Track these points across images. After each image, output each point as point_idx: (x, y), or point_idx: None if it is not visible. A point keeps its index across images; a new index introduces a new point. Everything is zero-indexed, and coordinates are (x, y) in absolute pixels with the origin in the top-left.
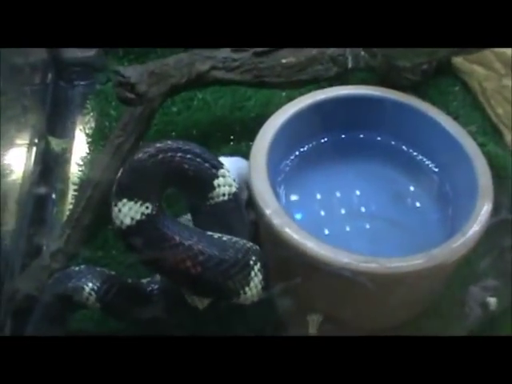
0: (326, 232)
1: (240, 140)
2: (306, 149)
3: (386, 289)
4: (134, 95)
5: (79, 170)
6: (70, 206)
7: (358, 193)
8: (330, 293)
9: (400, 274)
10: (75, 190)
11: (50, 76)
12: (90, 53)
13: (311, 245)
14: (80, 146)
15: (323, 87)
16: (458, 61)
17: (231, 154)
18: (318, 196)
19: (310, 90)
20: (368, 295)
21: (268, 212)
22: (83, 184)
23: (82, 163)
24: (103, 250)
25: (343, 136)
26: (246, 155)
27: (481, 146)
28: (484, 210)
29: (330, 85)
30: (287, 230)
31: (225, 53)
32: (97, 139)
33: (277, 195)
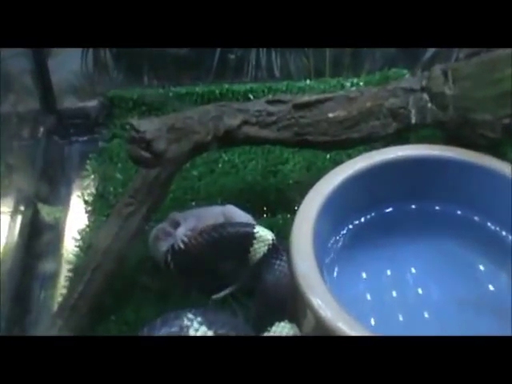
0: (387, 321)
1: (275, 212)
2: (359, 223)
3: None
4: (149, 154)
5: (76, 246)
6: (64, 291)
7: (421, 275)
8: None
9: None
10: (70, 271)
11: (41, 129)
12: (91, 103)
13: None
14: (77, 216)
15: (378, 148)
16: None
17: (265, 227)
18: (376, 280)
19: (360, 152)
20: None
21: (316, 302)
22: (81, 264)
23: (79, 238)
24: None
25: (403, 207)
26: (282, 230)
27: None
28: None
29: (388, 144)
30: (341, 325)
31: (259, 105)
32: (98, 208)
33: (324, 278)
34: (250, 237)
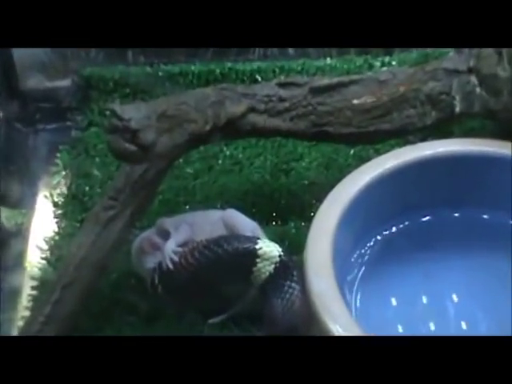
0: None
1: (286, 219)
2: (388, 234)
3: None
4: (135, 147)
5: (42, 258)
6: (26, 313)
7: (465, 301)
8: None
9: None
10: (34, 289)
11: (0, 115)
12: (63, 82)
13: None
14: (44, 222)
15: (413, 142)
16: None
17: (274, 238)
18: (408, 306)
19: (392, 147)
20: None
21: (336, 329)
22: (48, 280)
23: (46, 248)
24: None
25: (444, 215)
26: (295, 242)
27: None
28: None
29: (425, 138)
30: None
31: (268, 88)
32: (71, 212)
33: (346, 300)
34: (252, 254)
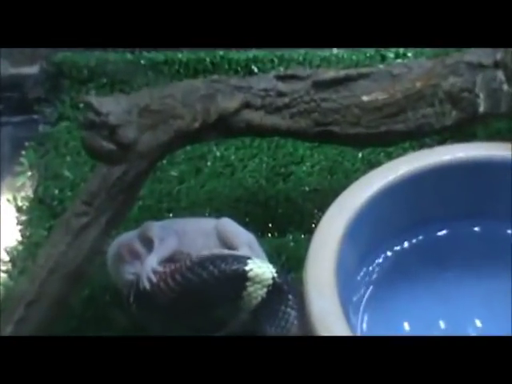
0: None
1: (284, 230)
2: (400, 249)
3: None
4: (114, 145)
5: (3, 271)
6: None
7: (489, 327)
8: None
9: None
10: None
11: None
12: (29, 69)
13: None
14: (6, 229)
15: (430, 145)
16: None
17: (270, 251)
18: (423, 331)
19: (405, 151)
20: None
21: None
22: (10, 297)
23: (7, 259)
24: None
25: (463, 229)
26: (294, 256)
27: None
28: None
29: (444, 141)
30: None
31: (266, 81)
32: (37, 218)
33: (351, 323)
34: (242, 277)
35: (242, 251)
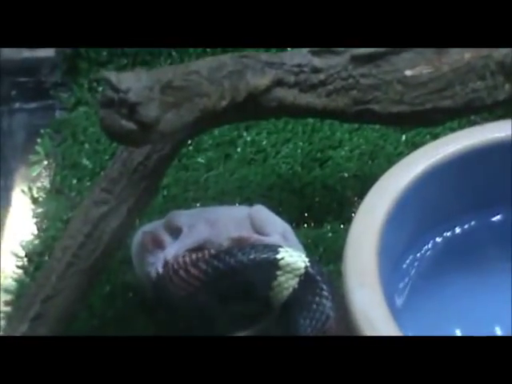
0: None
1: (321, 220)
2: (451, 235)
3: None
4: (134, 125)
5: (18, 267)
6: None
7: None
8: None
9: None
10: (8, 304)
11: None
12: (44, 52)
13: None
14: (21, 222)
15: (478, 122)
16: None
17: (306, 243)
18: (479, 323)
19: (453, 131)
20: None
21: None
22: (25, 293)
23: (22, 254)
24: None
25: None
26: (332, 247)
27: None
28: None
29: (497, 118)
30: None
31: (299, 56)
32: (54, 210)
33: (396, 316)
34: (272, 266)
35: (274, 239)
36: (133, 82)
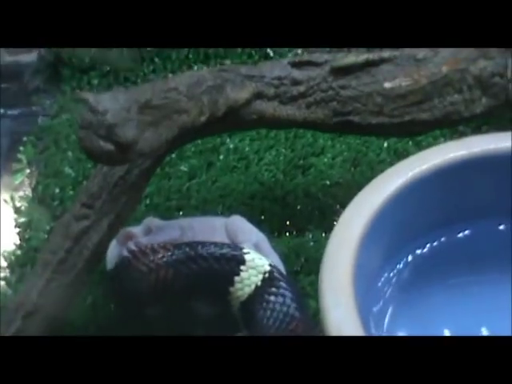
0: None
1: (303, 228)
2: (428, 250)
3: None
4: (112, 146)
5: (1, 279)
6: None
7: None
8: None
9: None
10: None
11: None
12: (27, 57)
13: None
14: (3, 232)
15: (462, 132)
16: None
17: (287, 251)
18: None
19: (436, 138)
20: None
21: None
22: (7, 307)
23: (4, 264)
24: None
25: (496, 228)
26: (314, 256)
27: None
28: None
29: (474, 131)
30: None
31: (279, 68)
32: (37, 220)
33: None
34: (236, 260)
35: (246, 246)
36: (110, 103)
